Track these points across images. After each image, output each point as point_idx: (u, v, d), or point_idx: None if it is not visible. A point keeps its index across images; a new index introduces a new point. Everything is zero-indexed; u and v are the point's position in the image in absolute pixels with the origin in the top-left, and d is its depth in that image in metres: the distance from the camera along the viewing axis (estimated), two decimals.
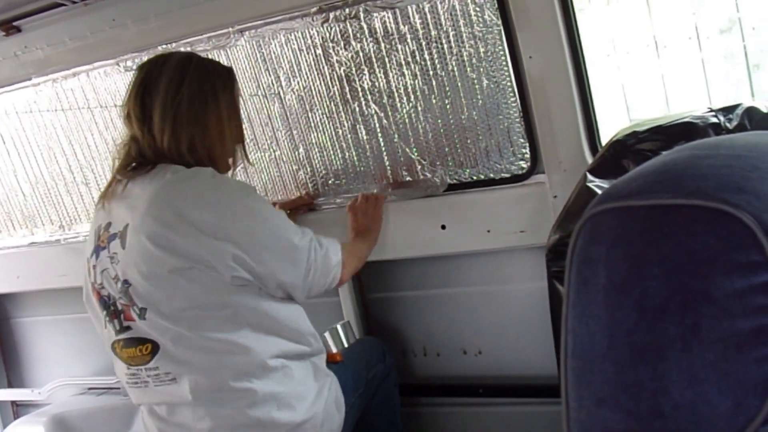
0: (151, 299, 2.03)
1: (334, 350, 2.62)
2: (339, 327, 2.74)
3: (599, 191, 2.11)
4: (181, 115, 2.12)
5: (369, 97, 2.69)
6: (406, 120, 2.66)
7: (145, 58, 2.87)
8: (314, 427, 2.13)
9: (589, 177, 2.18)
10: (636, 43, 2.50)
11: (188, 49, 2.82)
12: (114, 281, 2.09)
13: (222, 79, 2.24)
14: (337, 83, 2.71)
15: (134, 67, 2.95)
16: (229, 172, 2.32)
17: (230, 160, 2.31)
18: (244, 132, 2.36)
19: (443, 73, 2.56)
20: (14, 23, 3.01)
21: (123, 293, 2.07)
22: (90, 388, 3.72)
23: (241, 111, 2.36)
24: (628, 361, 0.95)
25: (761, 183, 0.94)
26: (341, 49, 2.66)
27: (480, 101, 2.55)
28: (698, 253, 0.91)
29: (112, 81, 3.07)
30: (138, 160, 2.16)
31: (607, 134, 2.33)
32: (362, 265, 2.51)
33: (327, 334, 2.67)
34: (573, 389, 1.02)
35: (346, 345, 2.67)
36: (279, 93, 2.80)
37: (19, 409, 4.06)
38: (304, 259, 2.13)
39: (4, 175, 3.56)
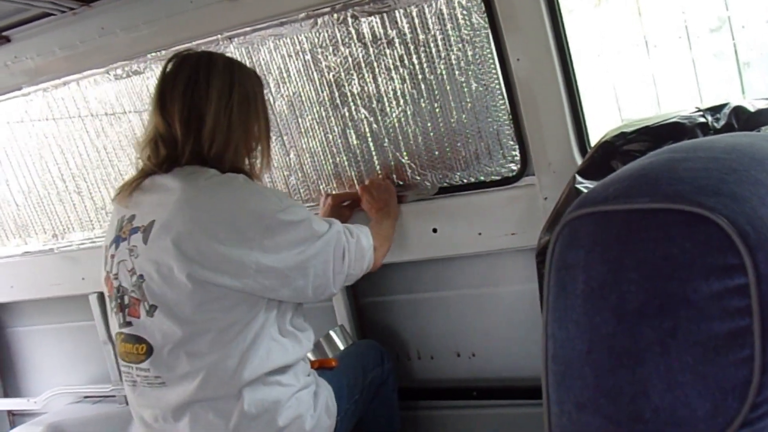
0: (164, 299, 2.02)
1: (330, 355, 2.61)
2: (333, 333, 2.74)
3: None
4: (233, 123, 2.12)
5: (358, 101, 2.69)
6: (396, 124, 2.67)
7: (135, 67, 2.89)
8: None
9: (578, 179, 2.17)
10: (626, 42, 2.50)
11: None
12: (129, 274, 2.08)
13: (258, 82, 2.26)
14: (327, 88, 2.72)
15: (124, 75, 2.97)
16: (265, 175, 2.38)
17: (258, 164, 2.29)
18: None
19: (432, 77, 2.56)
20: (3, 33, 3.02)
21: (136, 287, 2.06)
22: (86, 397, 3.72)
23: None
24: (607, 365, 0.95)
25: (738, 186, 0.94)
26: (330, 54, 2.66)
27: (469, 104, 2.55)
28: (675, 257, 0.91)
29: (103, 89, 3.07)
30: (169, 157, 2.13)
31: (597, 135, 2.33)
32: (390, 245, 2.55)
33: (322, 340, 2.66)
34: (554, 394, 1.02)
35: (342, 348, 2.67)
36: (269, 99, 2.79)
37: (15, 418, 4.06)
38: (337, 250, 2.15)
39: None
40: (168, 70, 2.17)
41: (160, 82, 2.18)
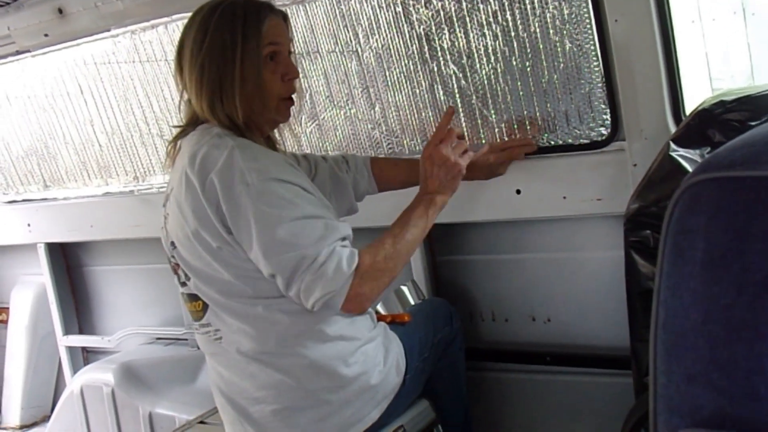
0: (187, 263, 2.05)
1: (400, 310, 2.61)
2: (405, 287, 2.73)
3: (683, 161, 2.07)
4: (204, 76, 2.02)
5: (448, 56, 2.65)
6: (485, 82, 2.62)
7: None
8: (366, 386, 2.12)
9: (673, 146, 2.12)
10: (722, 9, 2.42)
11: None
12: (166, 240, 2.13)
13: (248, 25, 2.02)
14: (416, 42, 2.68)
15: None
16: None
17: (274, 119, 2.17)
18: (295, 86, 2.15)
19: (525, 35, 2.50)
20: None
21: (172, 254, 2.11)
22: (158, 338, 3.80)
23: (296, 63, 2.20)
24: (723, 337, 0.92)
25: None
26: (421, 6, 2.62)
27: (561, 64, 2.49)
28: None
29: None
30: (191, 121, 2.13)
31: (689, 104, 2.26)
32: (389, 277, 2.06)
33: (393, 293, 2.66)
34: (662, 364, 0.99)
35: (412, 304, 2.66)
36: (357, 50, 2.78)
37: (89, 355, 4.17)
38: (294, 255, 1.90)
39: (81, 125, 3.63)
40: None
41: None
